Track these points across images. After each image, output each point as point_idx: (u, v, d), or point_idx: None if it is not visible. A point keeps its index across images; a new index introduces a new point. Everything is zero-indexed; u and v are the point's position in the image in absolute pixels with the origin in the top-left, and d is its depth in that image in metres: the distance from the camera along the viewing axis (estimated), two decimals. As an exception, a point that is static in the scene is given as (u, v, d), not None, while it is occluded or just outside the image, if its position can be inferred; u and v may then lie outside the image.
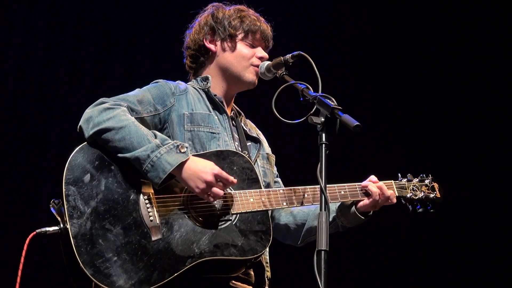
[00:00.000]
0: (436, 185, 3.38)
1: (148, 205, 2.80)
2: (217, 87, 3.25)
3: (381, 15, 6.14)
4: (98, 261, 2.67)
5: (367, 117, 5.66)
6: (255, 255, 2.88)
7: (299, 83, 2.95)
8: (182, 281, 2.77)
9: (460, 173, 5.72)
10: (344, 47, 6.11)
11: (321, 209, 2.63)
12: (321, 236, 2.58)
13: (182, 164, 2.79)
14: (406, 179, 3.34)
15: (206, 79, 3.24)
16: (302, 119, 2.79)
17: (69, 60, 5.59)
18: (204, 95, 3.21)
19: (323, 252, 2.55)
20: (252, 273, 3.07)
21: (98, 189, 2.76)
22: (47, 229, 2.74)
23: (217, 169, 2.82)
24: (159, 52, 5.76)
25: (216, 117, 3.15)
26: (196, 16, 3.38)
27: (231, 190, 2.93)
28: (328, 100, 2.76)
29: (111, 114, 2.83)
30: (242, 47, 3.24)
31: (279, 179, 3.43)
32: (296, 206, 3.11)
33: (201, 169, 2.80)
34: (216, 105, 3.20)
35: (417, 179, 3.36)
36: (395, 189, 3.25)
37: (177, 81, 3.20)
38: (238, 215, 2.91)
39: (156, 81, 3.16)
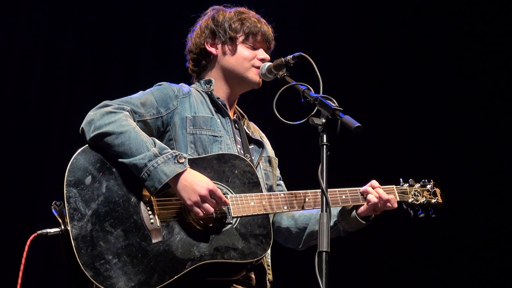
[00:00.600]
0: (438, 191, 3.38)
1: (149, 208, 2.81)
2: (220, 90, 3.26)
3: (383, 16, 6.13)
4: (98, 263, 2.67)
5: (368, 118, 5.64)
6: (255, 259, 2.88)
7: (300, 84, 2.95)
8: (182, 284, 2.77)
9: (463, 176, 5.70)
10: (345, 48, 6.10)
11: (322, 210, 2.62)
12: (322, 237, 2.57)
13: (178, 175, 2.80)
14: (407, 184, 3.34)
15: (209, 82, 3.25)
16: (303, 120, 2.79)
17: (71, 62, 5.59)
18: (207, 98, 3.21)
19: (324, 253, 2.55)
20: (253, 276, 3.06)
21: (99, 192, 2.77)
22: (48, 230, 2.75)
23: (212, 185, 2.82)
24: (161, 54, 5.76)
25: (218, 120, 3.15)
26: (197, 19, 3.38)
27: (232, 194, 2.93)
28: (329, 101, 2.76)
29: (113, 119, 2.84)
30: (243, 49, 3.24)
31: (281, 182, 3.42)
32: (297, 210, 3.10)
33: (197, 182, 2.80)
34: (219, 108, 3.20)
35: (419, 184, 3.36)
36: (397, 194, 3.25)
37: (180, 84, 3.21)
38: (239, 218, 2.90)
39: (159, 83, 3.16)
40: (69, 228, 2.69)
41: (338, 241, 3.06)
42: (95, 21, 5.70)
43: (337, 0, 6.16)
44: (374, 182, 3.19)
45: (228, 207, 2.89)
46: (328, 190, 3.04)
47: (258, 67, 3.22)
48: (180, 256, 2.76)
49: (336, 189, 3.12)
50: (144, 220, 2.78)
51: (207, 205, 2.80)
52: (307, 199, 3.06)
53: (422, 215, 3.32)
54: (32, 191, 5.26)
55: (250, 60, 3.23)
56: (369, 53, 6.10)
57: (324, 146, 2.68)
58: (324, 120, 2.71)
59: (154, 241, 2.76)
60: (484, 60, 5.90)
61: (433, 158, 5.76)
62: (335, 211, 3.21)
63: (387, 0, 6.15)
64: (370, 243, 5.63)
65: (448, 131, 5.87)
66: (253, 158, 3.21)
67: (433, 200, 3.33)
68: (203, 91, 3.23)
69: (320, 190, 2.88)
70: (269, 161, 3.32)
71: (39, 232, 2.76)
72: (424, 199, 3.32)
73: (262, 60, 3.23)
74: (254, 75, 3.23)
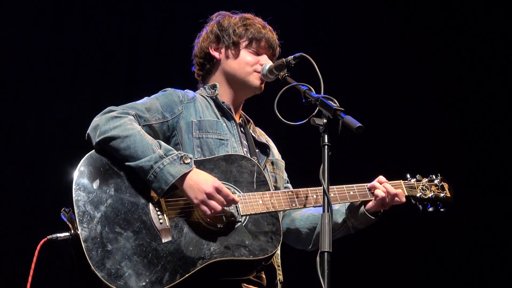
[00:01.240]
0: (446, 185, 3.39)
1: (158, 208, 2.84)
2: (225, 94, 3.29)
3: (384, 16, 6.13)
4: (109, 264, 2.69)
5: (370, 118, 5.63)
6: (266, 256, 2.88)
7: (301, 85, 2.97)
8: (193, 283, 2.78)
9: (468, 173, 5.70)
10: (346, 48, 6.11)
11: (324, 211, 2.63)
12: (324, 237, 2.58)
13: (184, 175, 2.82)
14: (415, 179, 3.35)
15: (214, 86, 3.28)
16: (305, 120, 2.79)
17: (75, 65, 5.60)
18: (212, 103, 3.24)
19: (326, 253, 2.55)
20: (264, 276, 3.07)
21: (108, 194, 2.81)
22: (58, 235, 2.78)
23: (218, 183, 2.85)
24: (163, 59, 5.77)
25: (224, 123, 3.18)
26: (204, 25, 3.43)
27: (240, 193, 2.95)
28: (330, 102, 2.77)
29: (118, 123, 2.88)
30: (245, 54, 3.27)
31: (289, 185, 3.43)
32: (307, 207, 3.11)
33: (202, 181, 2.82)
34: (224, 112, 3.24)
35: (427, 179, 3.37)
36: (404, 189, 3.26)
37: (185, 90, 3.25)
38: (248, 216, 2.92)
39: (164, 89, 3.21)
40: (79, 231, 2.72)
41: (339, 242, 3.06)
42: (98, 24, 5.71)
43: (338, 1, 6.16)
44: (381, 178, 3.20)
45: (236, 206, 2.92)
46: (336, 186, 3.08)
47: (260, 72, 3.24)
48: (190, 255, 2.78)
49: (343, 186, 3.14)
50: (153, 221, 2.81)
51: (213, 203, 2.81)
52: (315, 196, 3.07)
53: (431, 209, 3.33)
54: (41, 196, 5.27)
55: (252, 65, 3.26)
56: (369, 53, 6.10)
57: (326, 146, 2.68)
58: (325, 121, 2.73)
59: (164, 240, 2.78)
60: (485, 56, 5.90)
61: (434, 154, 5.76)
62: (343, 208, 3.23)
63: (388, 0, 6.15)
64: (370, 243, 5.62)
65: (449, 125, 5.87)
66: (260, 161, 3.23)
67: (442, 194, 3.34)
68: (207, 96, 3.27)
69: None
70: (276, 164, 3.35)
71: (49, 236, 2.78)
72: (432, 194, 3.32)
73: None
74: (255, 80, 3.25)
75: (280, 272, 3.17)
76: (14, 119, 5.41)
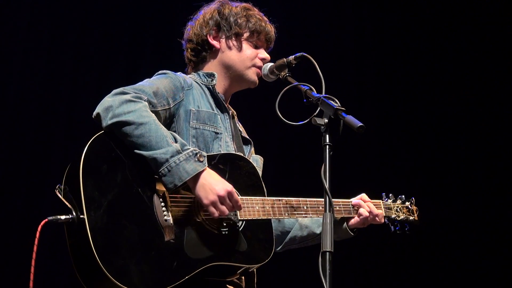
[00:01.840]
0: (415, 208, 3.50)
1: (163, 204, 2.74)
2: (219, 85, 3.20)
3: (385, 17, 6.14)
4: (113, 257, 2.57)
5: (371, 117, 5.64)
6: (259, 264, 2.88)
7: (302, 85, 2.94)
8: (185, 282, 2.70)
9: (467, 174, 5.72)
10: (347, 48, 6.11)
11: (325, 211, 2.62)
12: (326, 237, 2.57)
13: (198, 174, 2.74)
14: (391, 200, 3.45)
15: (211, 75, 3.17)
16: (306, 120, 2.78)
17: (74, 54, 5.53)
18: (207, 92, 3.14)
19: (328, 253, 2.54)
20: (243, 278, 3.04)
21: (115, 182, 2.67)
22: (59, 217, 2.62)
23: (230, 187, 2.78)
24: (161, 45, 5.73)
25: (218, 116, 3.11)
26: (199, 8, 3.31)
27: (239, 195, 2.88)
28: (332, 101, 2.75)
29: (133, 108, 2.73)
30: (246, 47, 3.20)
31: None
32: (297, 218, 3.12)
33: (216, 183, 2.76)
34: (219, 104, 3.15)
35: (400, 201, 3.47)
36: (383, 209, 3.36)
37: (179, 73, 3.13)
38: (244, 222, 2.88)
39: (164, 72, 3.07)
40: (85, 218, 2.57)
41: (340, 242, 3.06)
42: (96, 14, 5.67)
43: (339, 0, 6.17)
44: (364, 196, 3.27)
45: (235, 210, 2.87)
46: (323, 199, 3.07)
47: (258, 67, 3.20)
48: (191, 256, 2.72)
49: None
50: (158, 216, 2.70)
51: (223, 207, 2.75)
52: (305, 207, 3.07)
53: (399, 231, 3.45)
54: (41, 178, 5.14)
55: (252, 59, 3.19)
56: (370, 52, 6.11)
57: (327, 146, 2.68)
58: (326, 120, 2.71)
59: (166, 238, 2.69)
60: (482, 59, 5.90)
61: (434, 154, 5.76)
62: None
63: (388, 0, 6.16)
64: (371, 244, 5.63)
65: (449, 128, 5.88)
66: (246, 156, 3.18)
67: (411, 218, 3.47)
68: (202, 83, 3.15)
69: (316, 199, 3.02)
70: (256, 161, 3.28)
71: (49, 218, 2.63)
72: (403, 216, 3.44)
73: (263, 60, 3.20)
74: (253, 74, 3.20)
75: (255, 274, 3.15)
76: (17, 103, 5.37)
